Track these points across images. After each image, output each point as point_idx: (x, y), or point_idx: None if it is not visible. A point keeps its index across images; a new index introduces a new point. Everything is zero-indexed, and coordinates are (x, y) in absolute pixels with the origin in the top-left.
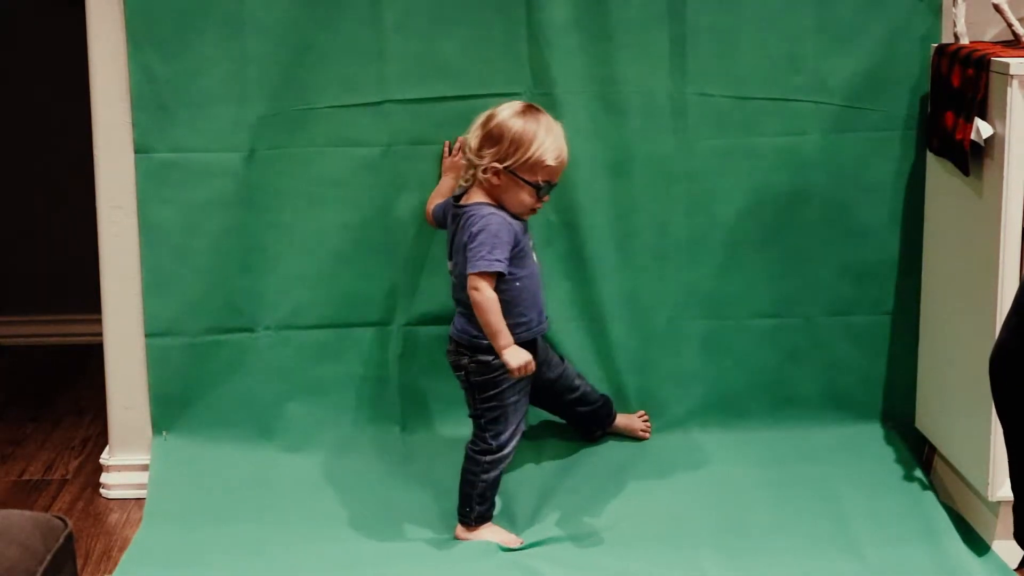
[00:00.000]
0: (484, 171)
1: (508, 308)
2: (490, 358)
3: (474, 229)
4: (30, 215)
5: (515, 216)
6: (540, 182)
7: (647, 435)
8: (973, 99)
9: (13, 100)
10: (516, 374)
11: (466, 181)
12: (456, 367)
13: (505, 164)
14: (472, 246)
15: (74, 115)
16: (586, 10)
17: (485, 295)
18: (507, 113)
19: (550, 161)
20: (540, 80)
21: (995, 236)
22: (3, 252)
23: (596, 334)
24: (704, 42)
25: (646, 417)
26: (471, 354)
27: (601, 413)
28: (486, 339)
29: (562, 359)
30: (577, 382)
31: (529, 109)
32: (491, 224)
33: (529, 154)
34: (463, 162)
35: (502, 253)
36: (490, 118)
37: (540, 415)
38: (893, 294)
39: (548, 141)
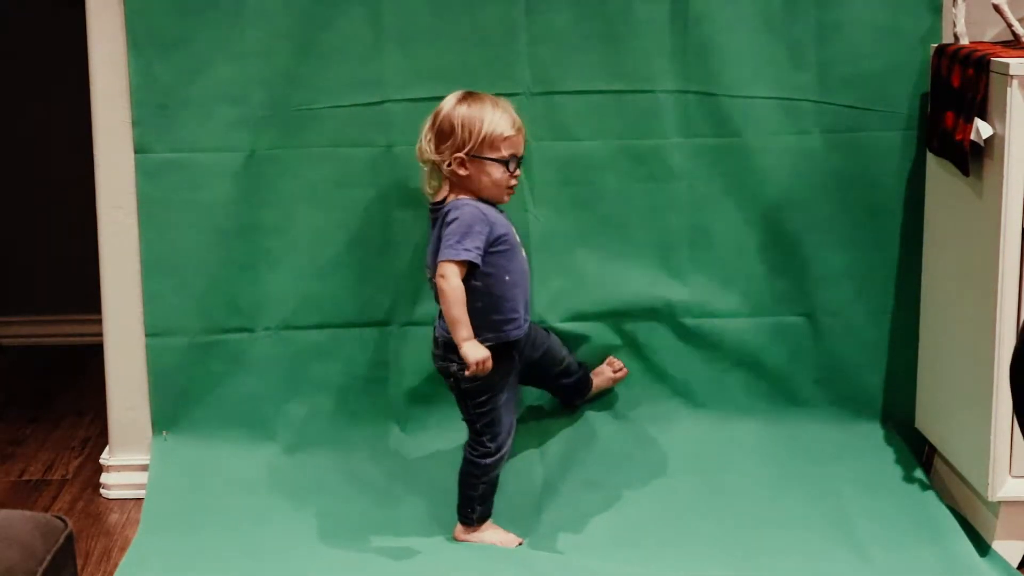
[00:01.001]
0: (449, 166)
1: (499, 304)
2: None
3: (449, 218)
4: (30, 215)
5: (494, 205)
6: (507, 156)
7: (624, 373)
8: (973, 99)
9: (13, 100)
10: (472, 368)
11: (433, 188)
12: (444, 373)
13: (466, 150)
14: (444, 235)
15: (74, 115)
16: (586, 9)
17: (451, 283)
18: (450, 104)
19: (508, 131)
20: (540, 80)
21: (995, 236)
22: (3, 252)
23: (594, 333)
24: (705, 41)
25: (616, 364)
26: (460, 360)
27: (582, 384)
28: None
29: (548, 332)
30: (563, 354)
31: (469, 94)
32: (463, 214)
33: (485, 131)
34: (425, 168)
35: (472, 243)
36: (435, 116)
37: (529, 401)
38: (893, 293)
39: (498, 114)
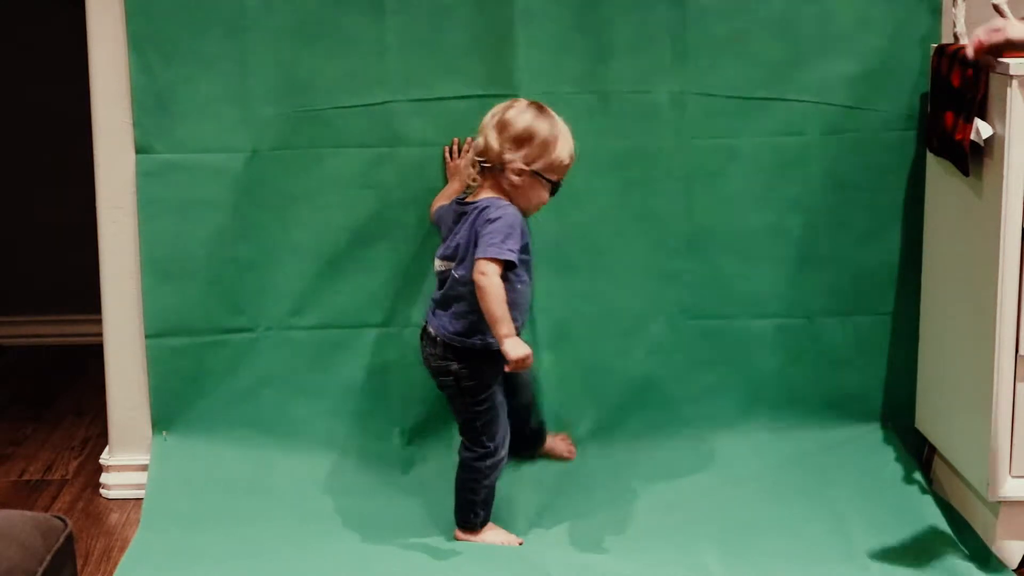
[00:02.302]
0: (511, 170)
1: (508, 310)
2: (479, 361)
3: (491, 216)
4: (30, 215)
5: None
6: (556, 180)
7: (572, 456)
8: (973, 99)
9: (13, 100)
10: (513, 366)
11: (474, 181)
12: (443, 372)
13: (533, 166)
14: (485, 232)
15: (74, 115)
16: (586, 9)
17: (492, 281)
18: (529, 116)
19: (567, 160)
20: (540, 80)
21: (995, 236)
22: (3, 252)
23: (595, 334)
24: (704, 42)
25: (568, 440)
26: (460, 359)
27: (536, 435)
28: (479, 342)
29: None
30: (528, 397)
31: (542, 109)
32: (508, 215)
33: (555, 155)
34: (469, 166)
35: (514, 245)
36: (509, 121)
37: None
38: (893, 294)
39: (568, 141)
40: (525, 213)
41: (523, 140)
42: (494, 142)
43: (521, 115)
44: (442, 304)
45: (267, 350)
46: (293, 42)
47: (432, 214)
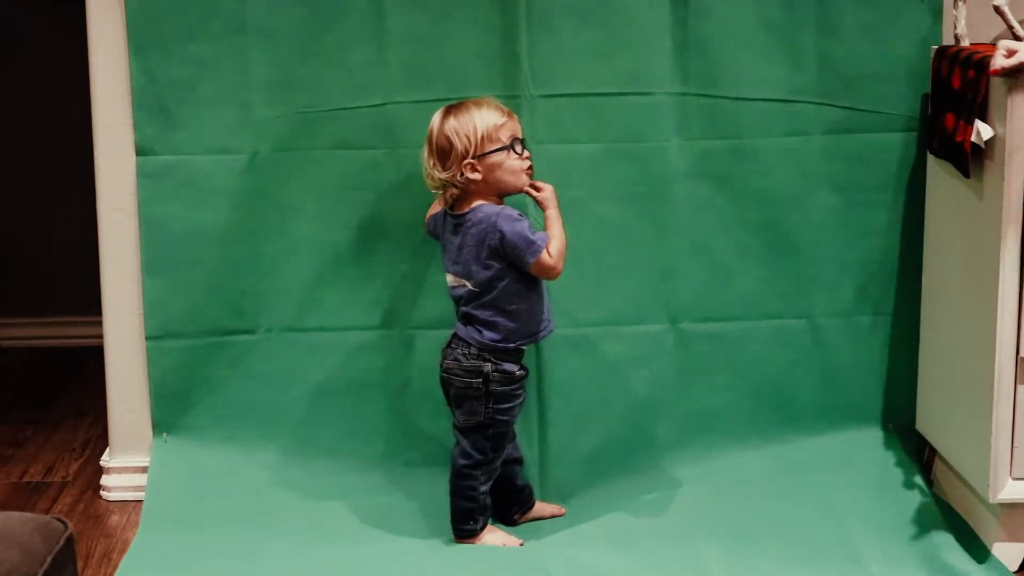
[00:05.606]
0: (462, 176)
1: (542, 311)
2: (515, 368)
3: (501, 231)
4: (30, 216)
5: (516, 206)
6: (507, 141)
7: (562, 512)
8: (973, 101)
9: (13, 101)
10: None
11: (451, 198)
12: (473, 373)
13: (471, 155)
14: (510, 247)
15: (75, 116)
16: (586, 11)
17: (554, 260)
18: (438, 122)
19: (500, 119)
20: (540, 81)
21: (995, 238)
22: (3, 253)
23: (595, 335)
24: (705, 42)
25: (563, 512)
26: (496, 362)
27: (524, 497)
28: (512, 344)
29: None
30: (517, 455)
31: (450, 107)
32: (502, 218)
33: (480, 131)
34: (437, 191)
35: (533, 230)
36: (429, 141)
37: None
38: (893, 295)
39: (484, 110)
40: (519, 189)
41: (446, 147)
42: (430, 168)
43: (433, 128)
44: (468, 317)
45: (267, 352)
46: (293, 43)
47: (426, 225)
